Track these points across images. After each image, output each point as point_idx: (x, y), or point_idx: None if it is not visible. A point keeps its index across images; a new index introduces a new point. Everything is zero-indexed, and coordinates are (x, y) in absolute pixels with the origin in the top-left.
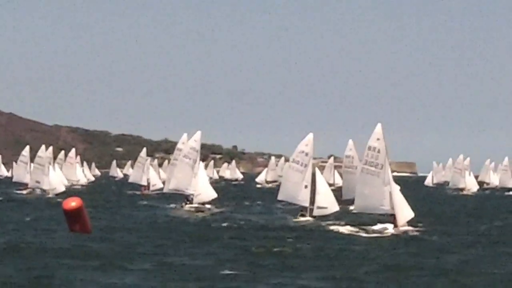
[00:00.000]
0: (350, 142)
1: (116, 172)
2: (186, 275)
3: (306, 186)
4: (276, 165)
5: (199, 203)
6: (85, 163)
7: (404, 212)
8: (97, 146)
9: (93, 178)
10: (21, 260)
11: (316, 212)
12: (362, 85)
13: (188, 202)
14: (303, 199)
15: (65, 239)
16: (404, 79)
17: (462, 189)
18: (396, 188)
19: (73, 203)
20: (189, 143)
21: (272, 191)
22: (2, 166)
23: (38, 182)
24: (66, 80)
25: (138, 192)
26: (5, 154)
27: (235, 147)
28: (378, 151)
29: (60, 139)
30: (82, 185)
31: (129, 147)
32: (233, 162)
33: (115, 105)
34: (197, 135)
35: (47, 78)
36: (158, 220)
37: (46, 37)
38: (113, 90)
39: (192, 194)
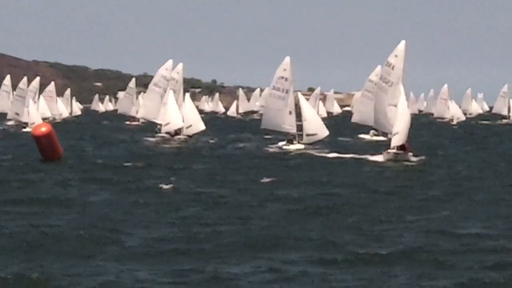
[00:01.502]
0: (378, 67)
1: (98, 106)
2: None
3: (290, 112)
4: (248, 97)
5: (166, 132)
6: (68, 98)
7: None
8: (76, 81)
9: (79, 112)
10: None
11: (305, 140)
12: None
13: (157, 132)
14: (289, 126)
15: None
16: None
17: (450, 119)
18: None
19: (43, 128)
20: (159, 72)
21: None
22: None
23: (17, 114)
24: (45, 15)
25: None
26: None
27: (214, 81)
28: (393, 68)
29: (39, 74)
30: (64, 119)
31: (108, 82)
32: (216, 95)
33: (94, 40)
34: (168, 63)
35: (26, 13)
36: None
37: None
38: (92, 24)
39: (160, 124)
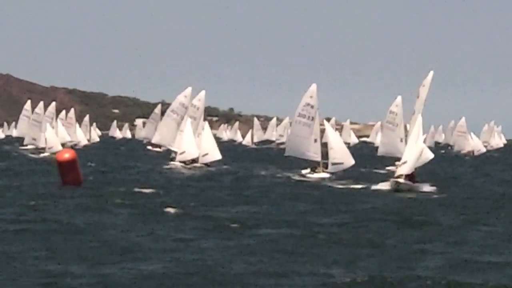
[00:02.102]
0: (399, 98)
1: (116, 133)
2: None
3: (315, 140)
4: (265, 127)
5: (181, 161)
6: (87, 124)
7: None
8: (93, 108)
9: (97, 139)
10: None
11: (331, 168)
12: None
13: (173, 160)
14: (314, 154)
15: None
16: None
17: (470, 152)
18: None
19: (66, 154)
20: (178, 98)
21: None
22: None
23: (34, 139)
24: (63, 42)
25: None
26: (2, 115)
27: (231, 109)
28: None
29: (57, 100)
30: (84, 146)
31: (125, 109)
32: (236, 124)
33: (112, 66)
34: (188, 91)
35: (44, 39)
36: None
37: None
38: (110, 51)
39: (175, 152)
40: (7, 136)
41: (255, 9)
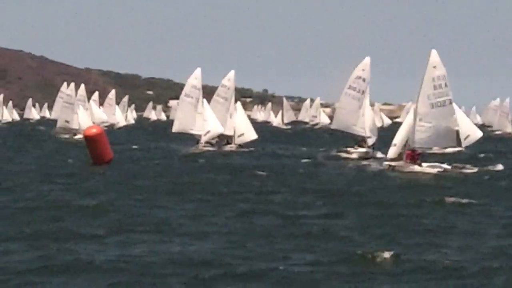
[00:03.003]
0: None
1: (151, 114)
2: None
3: (363, 115)
4: (299, 108)
5: (207, 142)
6: (125, 105)
7: None
8: (127, 89)
9: (133, 121)
10: None
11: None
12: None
13: (198, 143)
14: (360, 128)
15: None
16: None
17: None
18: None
19: (93, 129)
20: (189, 81)
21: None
22: (33, 109)
23: (67, 121)
24: (97, 23)
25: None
26: (36, 96)
27: (265, 90)
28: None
29: (91, 82)
30: (122, 127)
31: (159, 90)
32: (269, 105)
33: (146, 48)
34: (197, 72)
35: (78, 20)
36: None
37: None
38: (144, 33)
39: (199, 135)
40: (41, 118)
41: None
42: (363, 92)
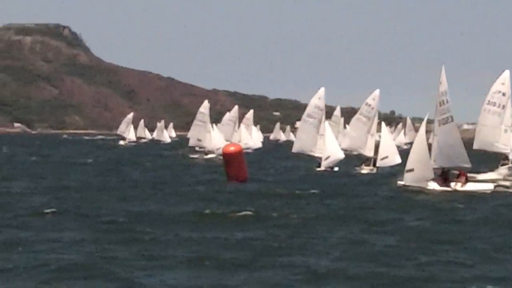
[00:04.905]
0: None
1: (280, 135)
2: None
3: (506, 131)
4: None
5: (327, 167)
6: (253, 127)
7: None
8: (254, 110)
9: (260, 144)
10: None
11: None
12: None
13: (318, 167)
14: (503, 145)
15: None
16: None
17: None
18: None
19: (232, 147)
20: (312, 102)
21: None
22: (165, 131)
23: (199, 140)
24: (224, 45)
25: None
26: (163, 117)
27: (392, 112)
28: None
29: (218, 103)
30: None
31: (286, 111)
32: (400, 125)
33: (272, 69)
34: (321, 92)
35: (205, 43)
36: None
37: (204, 3)
38: (271, 54)
39: (319, 158)
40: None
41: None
42: (504, 107)
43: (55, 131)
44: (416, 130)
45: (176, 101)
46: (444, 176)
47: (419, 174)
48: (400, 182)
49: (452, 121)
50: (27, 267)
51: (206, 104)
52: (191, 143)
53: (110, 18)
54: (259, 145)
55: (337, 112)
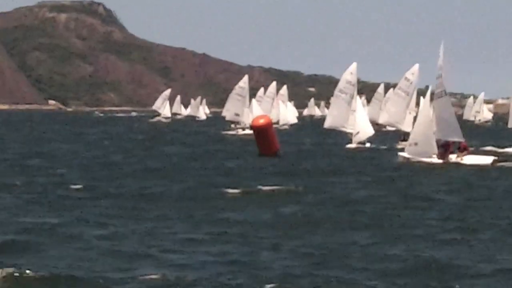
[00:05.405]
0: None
1: (314, 111)
2: None
3: None
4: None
5: (358, 143)
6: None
7: None
8: (289, 86)
9: (295, 120)
10: None
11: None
12: None
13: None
14: None
15: None
16: None
17: None
18: None
19: (261, 120)
20: (344, 77)
21: None
22: (200, 107)
23: (237, 114)
24: (259, 21)
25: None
26: (198, 93)
27: (427, 87)
28: None
29: (253, 79)
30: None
31: (321, 87)
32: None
33: (308, 45)
34: (353, 67)
35: (240, 19)
36: None
37: None
38: (306, 31)
39: (351, 133)
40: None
41: None
42: None
43: (91, 108)
44: (456, 105)
45: (210, 77)
46: (445, 148)
47: (422, 149)
48: (402, 154)
49: (446, 95)
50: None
51: (245, 79)
52: (228, 117)
53: None
54: (295, 120)
55: (381, 89)
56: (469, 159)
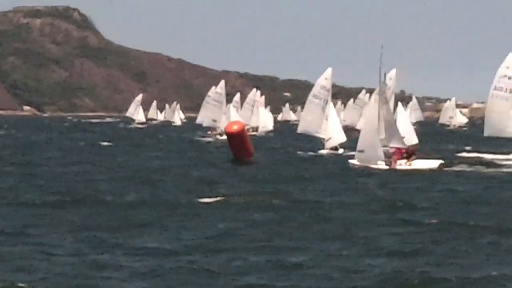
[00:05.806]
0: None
1: (289, 116)
2: None
3: None
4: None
5: (330, 148)
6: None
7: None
8: (265, 91)
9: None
10: None
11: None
12: None
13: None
14: None
15: None
16: None
17: None
18: None
19: (235, 126)
20: (318, 82)
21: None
22: (176, 113)
23: (214, 120)
24: (235, 26)
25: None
26: (174, 98)
27: (402, 91)
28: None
29: (229, 84)
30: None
31: (297, 91)
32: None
33: (283, 50)
34: (328, 72)
35: (216, 24)
36: None
37: None
38: (280, 35)
39: (323, 139)
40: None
41: None
42: (511, 91)
43: (66, 114)
44: (423, 109)
45: (187, 82)
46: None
47: (368, 156)
48: (351, 161)
49: (387, 102)
50: None
51: (222, 84)
52: (206, 123)
53: (119, 0)
54: (271, 127)
55: (362, 95)
56: (417, 164)
